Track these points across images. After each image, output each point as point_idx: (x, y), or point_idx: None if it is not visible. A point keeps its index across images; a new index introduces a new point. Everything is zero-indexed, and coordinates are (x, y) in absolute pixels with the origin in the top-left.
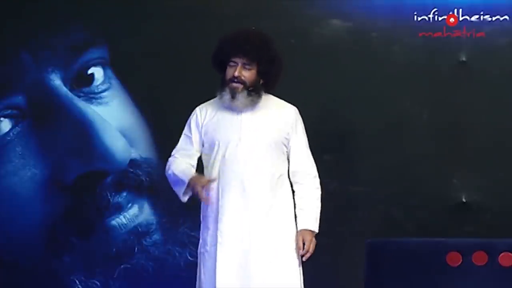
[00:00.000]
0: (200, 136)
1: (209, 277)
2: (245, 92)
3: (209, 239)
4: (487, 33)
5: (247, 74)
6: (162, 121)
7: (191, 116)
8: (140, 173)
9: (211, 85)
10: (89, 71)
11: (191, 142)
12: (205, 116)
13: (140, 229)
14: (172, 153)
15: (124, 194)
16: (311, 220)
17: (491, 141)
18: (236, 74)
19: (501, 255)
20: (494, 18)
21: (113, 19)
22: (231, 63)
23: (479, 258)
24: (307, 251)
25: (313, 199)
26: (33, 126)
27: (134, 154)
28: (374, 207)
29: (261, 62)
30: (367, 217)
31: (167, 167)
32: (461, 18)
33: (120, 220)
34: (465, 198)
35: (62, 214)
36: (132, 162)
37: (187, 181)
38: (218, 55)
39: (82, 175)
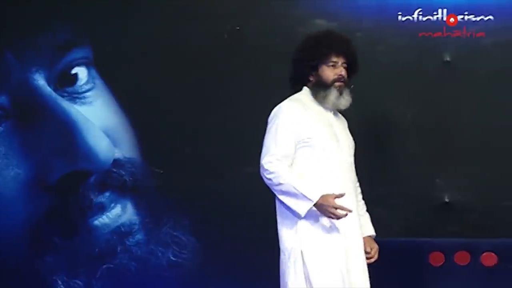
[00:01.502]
0: (295, 139)
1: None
2: (348, 90)
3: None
4: (472, 33)
5: (345, 74)
6: (146, 121)
7: (286, 116)
8: (124, 173)
9: (195, 85)
10: (73, 71)
11: (293, 147)
12: (301, 117)
13: (123, 229)
14: (273, 155)
15: (107, 194)
16: (371, 225)
17: (475, 141)
18: (343, 73)
19: (483, 255)
20: (478, 18)
21: (97, 19)
22: (330, 63)
23: (462, 258)
24: (374, 258)
25: (365, 206)
26: (16, 126)
27: (118, 154)
28: None
29: (351, 61)
30: None
31: (275, 175)
32: (445, 18)
33: (103, 220)
34: (448, 198)
35: (45, 214)
36: (116, 162)
37: (314, 201)
38: (316, 55)
39: (65, 175)
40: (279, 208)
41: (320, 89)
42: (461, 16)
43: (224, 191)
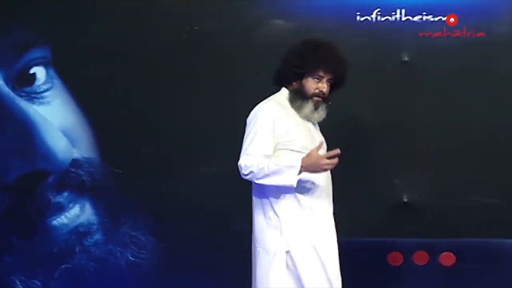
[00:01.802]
0: (274, 140)
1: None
2: (324, 106)
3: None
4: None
5: (327, 90)
6: (104, 121)
7: (266, 118)
8: (82, 173)
9: (153, 85)
10: (31, 71)
11: (271, 148)
12: (281, 120)
13: (81, 229)
14: (250, 154)
15: (66, 194)
16: None
17: (434, 141)
18: (325, 90)
19: (441, 254)
20: (436, 18)
21: (56, 19)
22: (316, 77)
23: (420, 258)
24: None
25: None
26: None
27: (76, 154)
28: None
29: (339, 79)
30: None
31: (253, 166)
32: (403, 19)
33: (61, 220)
34: (406, 198)
35: (2, 214)
36: (74, 162)
37: (298, 165)
38: (306, 66)
39: (24, 175)
40: (261, 208)
41: (297, 98)
42: (420, 17)
43: (182, 191)
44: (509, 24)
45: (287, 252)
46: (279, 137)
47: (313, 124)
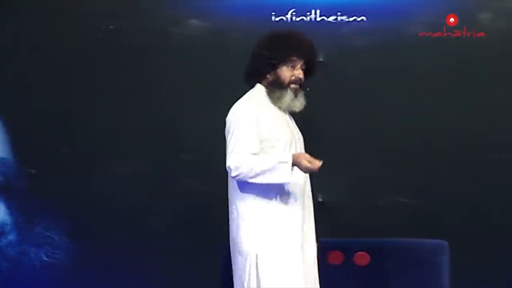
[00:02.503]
0: (258, 138)
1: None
2: (302, 93)
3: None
4: (346, 34)
5: (303, 77)
6: (18, 121)
7: (248, 116)
8: None
9: (67, 84)
10: None
11: (257, 145)
12: (263, 117)
13: None
14: (238, 153)
15: None
16: None
17: (349, 141)
18: (301, 76)
19: (356, 254)
20: (351, 19)
21: None
22: (290, 64)
23: (335, 258)
24: None
25: None
26: None
27: None
28: None
29: (311, 64)
30: (225, 219)
31: (243, 166)
32: (318, 19)
33: None
34: (321, 198)
35: None
36: None
37: (290, 161)
38: (278, 54)
39: None
40: (239, 209)
41: (275, 89)
42: (334, 17)
43: (97, 191)
44: (420, 23)
45: (259, 254)
46: (262, 135)
47: (290, 117)
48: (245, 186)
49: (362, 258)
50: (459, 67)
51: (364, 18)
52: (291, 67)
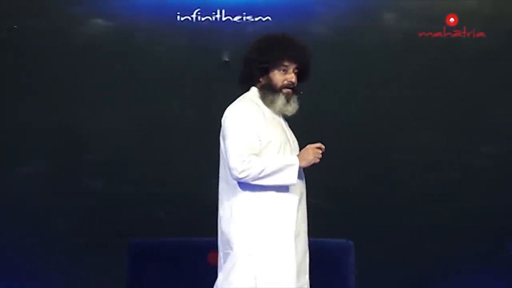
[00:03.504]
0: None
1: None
2: (296, 97)
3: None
4: (251, 33)
5: (295, 81)
6: None
7: (246, 116)
8: None
9: None
10: None
11: (258, 143)
12: (259, 119)
13: None
14: (242, 155)
15: None
16: None
17: None
18: (294, 80)
19: None
20: (256, 19)
21: None
22: (282, 68)
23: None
24: None
25: None
26: None
27: None
28: (137, 207)
29: (304, 68)
30: (130, 217)
31: (251, 168)
32: (224, 19)
33: None
34: None
35: None
36: None
37: (297, 163)
38: (269, 58)
39: None
40: (233, 210)
41: (268, 93)
42: (240, 17)
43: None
44: (327, 24)
45: (251, 254)
46: (260, 136)
47: (284, 120)
48: (244, 186)
49: None
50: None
51: (269, 18)
52: (283, 71)
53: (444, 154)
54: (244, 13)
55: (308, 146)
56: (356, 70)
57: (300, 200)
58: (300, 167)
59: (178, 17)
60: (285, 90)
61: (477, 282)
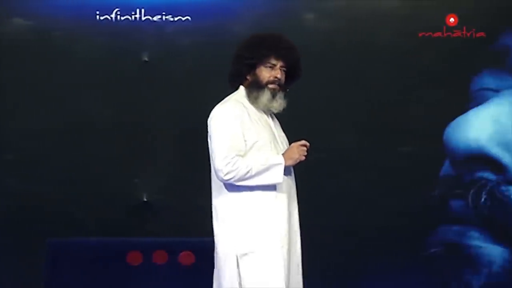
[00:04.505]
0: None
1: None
2: (282, 94)
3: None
4: (171, 33)
5: (283, 77)
6: None
7: (230, 117)
8: None
9: None
10: None
11: (244, 143)
12: (244, 119)
13: None
14: (227, 157)
15: None
16: None
17: (174, 141)
18: (279, 76)
19: (181, 254)
20: (176, 19)
21: None
22: (269, 65)
23: (160, 257)
24: None
25: None
26: None
27: None
28: (56, 207)
29: (292, 66)
30: (49, 217)
31: (237, 169)
32: (143, 18)
33: None
34: (146, 198)
35: None
36: None
37: (283, 162)
38: (255, 55)
39: None
40: (216, 209)
41: (253, 90)
42: (159, 17)
43: None
44: (247, 24)
45: (238, 255)
46: (245, 136)
47: (273, 119)
48: (231, 187)
49: (186, 258)
50: None
51: (189, 18)
52: (270, 67)
53: (362, 154)
54: (164, 13)
55: (293, 144)
56: None
57: (289, 200)
58: (289, 167)
59: (98, 16)
60: (270, 86)
61: (397, 282)
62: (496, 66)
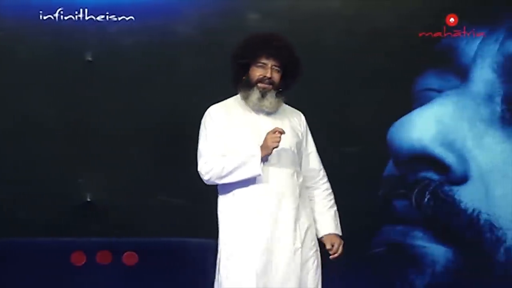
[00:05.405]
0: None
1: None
2: (274, 93)
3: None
4: (114, 33)
5: (276, 76)
6: None
7: (213, 118)
8: None
9: None
10: None
11: (224, 143)
12: (224, 118)
13: None
14: (206, 157)
15: None
16: (335, 224)
17: (118, 141)
18: (269, 75)
19: (125, 254)
20: (120, 18)
21: None
22: (260, 64)
23: (104, 257)
24: (338, 253)
25: (331, 203)
26: None
27: None
28: None
29: (288, 65)
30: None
31: (213, 168)
32: (87, 18)
33: None
34: (90, 197)
35: None
36: None
37: (259, 154)
38: (247, 55)
39: None
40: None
41: (244, 89)
42: (103, 16)
43: None
44: (191, 24)
45: (221, 251)
46: (225, 138)
47: (274, 117)
48: (221, 189)
49: (130, 258)
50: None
51: (132, 17)
52: (261, 67)
53: None
54: (107, 13)
55: (264, 141)
56: (222, 68)
57: (279, 201)
58: (285, 169)
59: (41, 16)
60: (260, 85)
61: (341, 282)
62: (441, 66)
